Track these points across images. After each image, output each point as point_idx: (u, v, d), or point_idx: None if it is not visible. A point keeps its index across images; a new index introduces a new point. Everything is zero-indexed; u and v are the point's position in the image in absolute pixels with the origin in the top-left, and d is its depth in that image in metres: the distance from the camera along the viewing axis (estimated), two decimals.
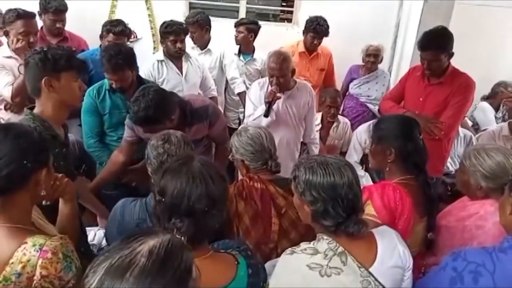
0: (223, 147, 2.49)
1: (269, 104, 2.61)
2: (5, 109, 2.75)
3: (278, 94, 2.61)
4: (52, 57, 1.64)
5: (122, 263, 0.75)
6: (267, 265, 1.52)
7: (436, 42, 2.56)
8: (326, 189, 1.25)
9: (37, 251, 1.08)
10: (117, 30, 3.00)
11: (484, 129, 4.05)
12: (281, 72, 2.60)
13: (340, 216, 1.25)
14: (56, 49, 1.69)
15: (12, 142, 1.14)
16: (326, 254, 1.24)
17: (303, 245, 1.29)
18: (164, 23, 3.14)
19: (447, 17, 3.62)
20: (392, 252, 1.32)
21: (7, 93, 2.60)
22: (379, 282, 1.25)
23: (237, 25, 3.80)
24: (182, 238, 1.07)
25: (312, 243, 1.29)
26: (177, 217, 1.11)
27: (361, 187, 1.33)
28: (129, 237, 0.82)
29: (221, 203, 1.17)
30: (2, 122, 2.46)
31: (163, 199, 1.13)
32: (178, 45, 3.08)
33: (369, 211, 1.50)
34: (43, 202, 1.39)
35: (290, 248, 1.30)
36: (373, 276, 1.25)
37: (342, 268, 1.22)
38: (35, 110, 1.70)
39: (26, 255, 1.07)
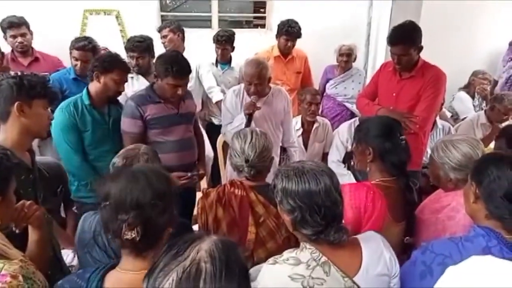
0: (202, 139, 2.85)
1: (250, 115, 2.60)
2: None
3: (258, 105, 2.60)
4: (28, 83, 1.65)
5: (190, 274, 0.78)
6: (251, 271, 1.50)
7: (404, 36, 2.56)
8: (301, 197, 1.22)
9: None
10: (78, 45, 2.96)
11: (464, 118, 4.12)
12: (260, 79, 2.58)
13: (319, 225, 1.22)
14: (31, 76, 1.71)
15: None
16: (309, 265, 1.20)
17: (286, 254, 1.25)
18: None
19: (416, 13, 3.68)
20: (378, 259, 1.28)
21: None
22: None
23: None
24: (133, 234, 1.06)
25: (295, 252, 1.25)
26: (123, 212, 1.08)
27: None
28: (175, 247, 0.84)
29: (167, 198, 1.14)
30: None
31: (108, 202, 1.10)
32: (133, 61, 3.07)
33: None
34: (13, 229, 1.38)
35: (272, 258, 1.27)
36: (357, 285, 1.21)
37: (325, 279, 1.18)
38: None
39: None
